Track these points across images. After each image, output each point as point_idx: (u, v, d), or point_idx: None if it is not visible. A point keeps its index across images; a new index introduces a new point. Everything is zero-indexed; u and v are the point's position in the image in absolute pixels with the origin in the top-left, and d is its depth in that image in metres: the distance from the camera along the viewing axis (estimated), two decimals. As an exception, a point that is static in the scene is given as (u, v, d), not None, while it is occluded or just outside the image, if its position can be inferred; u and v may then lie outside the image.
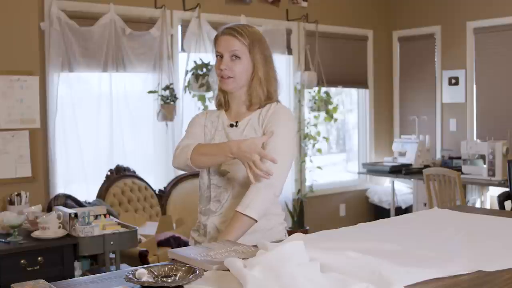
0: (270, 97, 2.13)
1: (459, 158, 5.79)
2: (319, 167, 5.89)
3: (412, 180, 5.97)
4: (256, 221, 1.96)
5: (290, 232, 2.13)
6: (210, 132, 2.16)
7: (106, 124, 4.72)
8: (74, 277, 3.34)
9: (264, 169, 1.88)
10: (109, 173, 4.61)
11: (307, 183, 5.96)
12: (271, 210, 2.09)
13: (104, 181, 4.57)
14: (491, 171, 5.28)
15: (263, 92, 2.11)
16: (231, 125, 2.13)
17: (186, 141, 2.12)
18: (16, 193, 3.93)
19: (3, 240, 3.34)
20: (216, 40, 2.12)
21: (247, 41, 2.07)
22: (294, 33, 5.90)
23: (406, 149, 6.18)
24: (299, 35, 5.94)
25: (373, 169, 6.31)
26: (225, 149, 1.96)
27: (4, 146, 4.06)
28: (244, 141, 1.94)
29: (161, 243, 4.16)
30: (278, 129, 2.04)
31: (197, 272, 1.49)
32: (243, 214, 1.94)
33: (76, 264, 3.61)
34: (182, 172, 4.69)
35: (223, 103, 2.18)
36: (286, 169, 2.03)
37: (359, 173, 6.63)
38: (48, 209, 4.00)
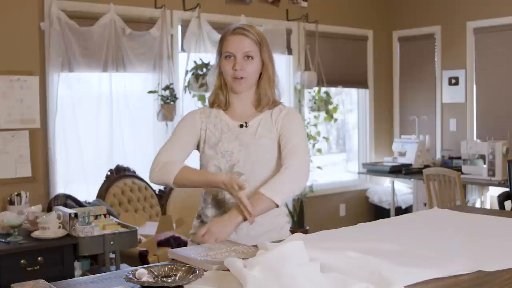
0: (277, 96, 2.15)
1: (459, 158, 5.79)
2: (319, 167, 5.89)
3: (412, 180, 5.97)
4: (277, 206, 1.97)
5: (290, 232, 2.14)
6: (214, 135, 2.10)
7: (106, 124, 4.72)
8: (74, 277, 3.34)
9: (249, 209, 1.90)
10: (109, 173, 4.61)
11: (307, 183, 5.95)
12: (282, 208, 2.12)
13: (104, 181, 4.57)
14: (491, 171, 5.28)
15: (272, 91, 2.13)
16: (241, 126, 2.10)
17: (166, 154, 2.07)
18: (16, 193, 3.93)
19: (3, 240, 3.34)
20: (224, 39, 2.08)
21: (257, 41, 2.08)
22: (294, 33, 5.90)
23: (406, 149, 6.18)
24: (299, 35, 5.94)
25: (373, 169, 6.31)
26: (213, 182, 1.97)
27: (4, 146, 4.06)
28: (226, 177, 1.94)
29: (161, 243, 4.16)
30: (296, 129, 2.09)
31: (197, 272, 1.49)
32: (269, 198, 1.94)
33: (76, 264, 3.61)
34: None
35: (224, 103, 2.14)
36: (308, 166, 2.06)
37: (359, 173, 6.63)
38: (48, 209, 4.00)
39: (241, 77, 2.06)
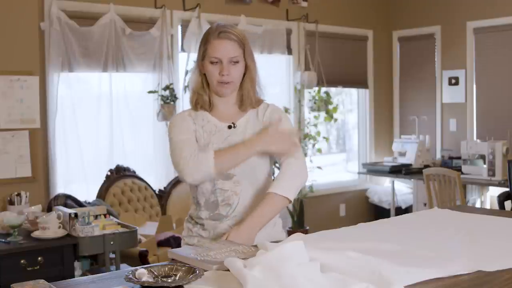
0: (259, 95, 2.16)
1: (459, 158, 5.79)
2: (319, 167, 5.88)
3: (412, 180, 5.97)
4: (290, 202, 2.03)
5: (290, 232, 2.15)
6: (203, 137, 2.09)
7: (106, 124, 4.72)
8: (74, 277, 3.34)
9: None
10: (109, 173, 4.61)
11: (307, 183, 5.95)
12: None
13: (104, 181, 4.57)
14: (491, 171, 5.28)
15: (254, 91, 2.13)
16: (229, 127, 2.10)
17: (189, 149, 2.02)
18: (16, 193, 3.93)
19: (3, 240, 3.34)
20: (209, 43, 2.04)
21: (241, 43, 2.06)
22: (294, 33, 5.90)
23: (406, 149, 6.18)
24: (299, 35, 5.94)
25: (373, 169, 6.31)
26: (253, 147, 2.01)
27: (4, 146, 4.06)
28: (264, 133, 2.02)
29: (161, 243, 4.16)
30: (284, 127, 2.10)
31: (197, 272, 1.49)
32: (282, 196, 1.99)
33: (76, 264, 3.61)
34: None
35: (208, 104, 2.12)
36: (305, 161, 2.12)
37: (359, 173, 6.63)
38: (48, 209, 4.00)
39: (227, 82, 2.05)
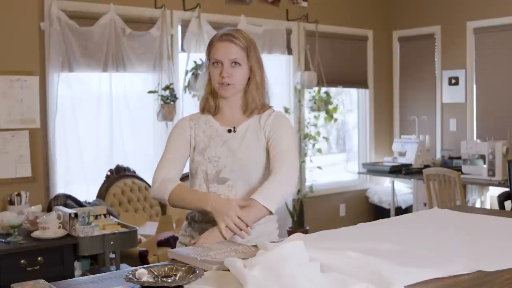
0: (266, 101, 2.15)
1: (459, 158, 5.79)
2: (319, 167, 5.89)
3: (412, 180, 5.97)
4: (272, 214, 1.97)
5: (290, 232, 2.14)
6: (203, 141, 2.12)
7: (106, 124, 4.72)
8: (74, 277, 3.34)
9: (239, 229, 1.89)
10: (109, 173, 4.61)
11: (307, 183, 5.95)
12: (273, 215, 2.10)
13: (104, 181, 4.57)
14: (491, 171, 5.28)
15: (259, 96, 2.13)
16: (229, 131, 2.11)
17: (163, 171, 2.08)
18: (16, 193, 3.93)
19: (3, 240, 3.34)
20: (212, 46, 2.09)
21: (245, 47, 2.07)
22: (294, 33, 5.90)
23: (406, 149, 6.18)
24: (299, 35, 5.94)
25: (373, 169, 6.31)
26: (203, 203, 1.96)
27: (4, 146, 4.06)
28: (221, 200, 1.95)
29: (161, 243, 4.17)
30: (282, 134, 2.08)
31: (197, 272, 1.49)
32: (264, 206, 1.94)
33: (76, 264, 3.61)
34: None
35: (214, 108, 2.15)
36: (296, 171, 2.05)
37: (359, 173, 6.63)
38: (48, 209, 4.00)
39: (228, 84, 2.06)
